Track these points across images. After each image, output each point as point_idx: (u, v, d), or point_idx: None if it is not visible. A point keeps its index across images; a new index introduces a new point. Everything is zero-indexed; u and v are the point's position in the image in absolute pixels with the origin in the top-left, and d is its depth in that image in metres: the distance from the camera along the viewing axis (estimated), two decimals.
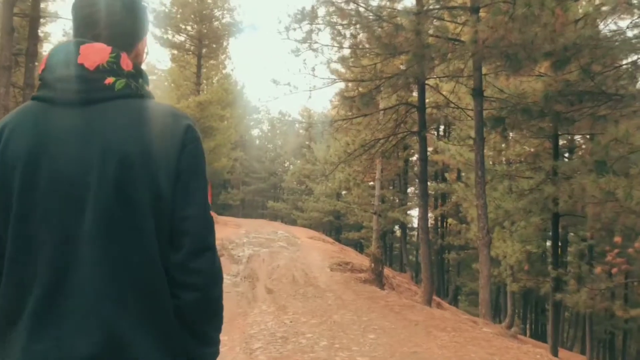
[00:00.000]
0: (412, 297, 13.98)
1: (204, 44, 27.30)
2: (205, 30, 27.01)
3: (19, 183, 1.18)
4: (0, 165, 1.20)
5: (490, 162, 19.96)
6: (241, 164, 44.06)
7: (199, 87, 26.71)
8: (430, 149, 29.60)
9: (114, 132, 1.20)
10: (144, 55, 1.45)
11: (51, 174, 1.18)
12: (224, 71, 31.93)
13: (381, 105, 14.24)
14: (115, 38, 1.30)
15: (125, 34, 1.34)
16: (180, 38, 27.61)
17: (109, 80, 1.23)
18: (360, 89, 13.22)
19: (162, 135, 1.24)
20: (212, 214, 1.33)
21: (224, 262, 13.75)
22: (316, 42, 13.65)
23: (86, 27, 1.31)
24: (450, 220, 28.56)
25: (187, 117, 1.33)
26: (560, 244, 21.12)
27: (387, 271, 18.79)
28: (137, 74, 1.30)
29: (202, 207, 1.27)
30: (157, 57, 38.79)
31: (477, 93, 11.86)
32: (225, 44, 30.10)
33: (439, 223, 32.52)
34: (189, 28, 27.21)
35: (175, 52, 28.95)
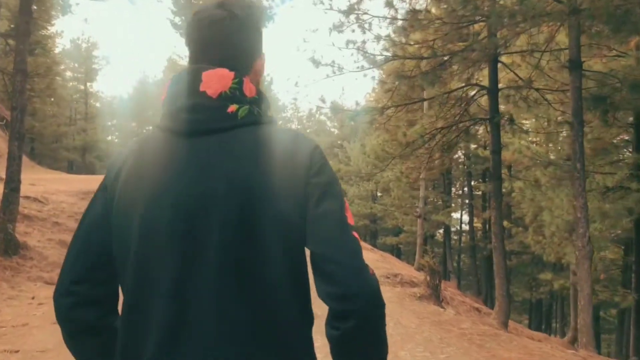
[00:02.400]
0: (483, 319, 11.63)
1: None
2: None
3: (140, 221, 1.14)
4: (121, 199, 1.18)
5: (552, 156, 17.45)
6: None
7: None
8: (472, 146, 27.32)
9: (238, 165, 1.14)
10: (262, 74, 1.36)
11: (173, 212, 1.13)
12: None
13: (450, 86, 11.86)
14: (234, 59, 1.24)
15: (244, 54, 1.28)
16: None
17: (232, 108, 1.17)
18: (422, 66, 10.85)
19: (287, 162, 1.16)
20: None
21: None
22: (365, 13, 11.38)
23: (204, 49, 1.25)
24: (506, 223, 25.97)
25: (311, 140, 1.25)
26: None
27: None
28: (260, 99, 1.23)
29: (340, 228, 1.15)
30: (179, 53, 37.08)
31: (575, 65, 9.43)
32: None
33: (487, 226, 30.00)
34: None
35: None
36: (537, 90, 11.62)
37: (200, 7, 1.33)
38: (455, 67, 11.65)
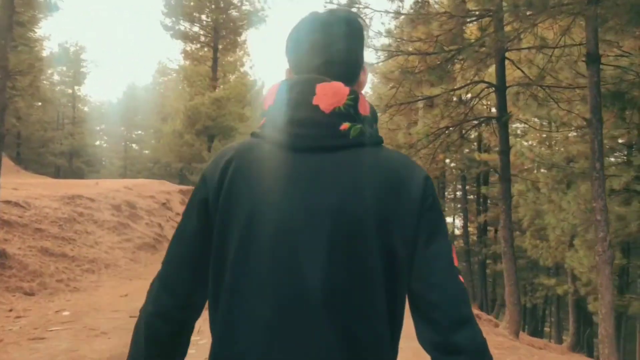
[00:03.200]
0: (493, 329, 11.00)
1: (221, 35, 24.52)
2: (222, 20, 24.24)
3: (242, 233, 1.08)
4: (224, 208, 1.11)
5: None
6: None
7: (216, 82, 23.93)
8: (465, 150, 26.80)
9: (346, 188, 1.07)
10: (364, 87, 1.29)
11: (279, 226, 1.07)
12: (241, 69, 29.35)
13: (457, 83, 11.27)
14: (344, 64, 1.19)
15: (351, 64, 1.21)
16: (195, 29, 24.91)
17: (345, 126, 1.10)
18: (428, 61, 10.25)
19: (399, 192, 1.09)
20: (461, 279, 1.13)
21: None
22: (367, 7, 10.78)
23: (312, 52, 1.19)
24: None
25: (422, 168, 1.18)
26: None
27: None
28: (372, 118, 1.17)
29: (449, 273, 1.09)
30: (168, 56, 36.40)
31: (593, 59, 8.86)
32: (243, 37, 27.43)
33: (481, 231, 29.49)
34: (203, 17, 24.46)
35: (189, 47, 26.26)
36: (547, 88, 11.07)
37: (309, 13, 1.26)
38: (461, 64, 11.10)
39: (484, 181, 29.61)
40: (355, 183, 1.07)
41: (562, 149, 16.45)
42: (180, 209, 19.82)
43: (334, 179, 1.07)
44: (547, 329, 32.77)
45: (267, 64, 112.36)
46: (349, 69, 1.19)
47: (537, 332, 28.76)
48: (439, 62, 10.02)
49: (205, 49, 25.52)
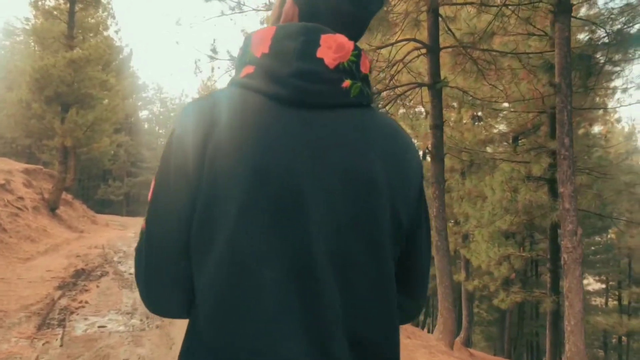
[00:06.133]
0: (422, 336, 9.07)
1: None
2: None
3: (242, 199, 0.92)
4: (216, 181, 0.93)
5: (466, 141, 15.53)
6: (126, 151, 36.84)
7: (72, 41, 19.90)
8: None
9: (353, 149, 0.98)
10: None
11: (280, 192, 0.93)
12: (105, 33, 25.31)
13: (378, 40, 9.03)
14: (351, 24, 1.05)
15: (361, 21, 1.07)
16: None
17: (347, 83, 0.99)
18: None
19: (403, 158, 1.05)
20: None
21: (109, 285, 8.27)
22: None
23: (324, 6, 1.03)
24: None
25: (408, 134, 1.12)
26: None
27: None
28: (368, 77, 1.07)
29: (429, 252, 1.17)
30: (15, 14, 31.07)
31: (564, 8, 7.10)
32: None
33: None
34: None
35: None
36: (491, 51, 9.25)
37: None
38: (390, 17, 8.94)
39: None
40: (361, 144, 0.99)
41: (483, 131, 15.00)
42: (24, 191, 16.92)
43: (339, 139, 0.97)
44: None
45: (137, 29, 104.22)
46: (363, 28, 1.09)
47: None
48: None
49: (60, 0, 21.25)
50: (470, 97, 10.41)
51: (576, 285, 6.98)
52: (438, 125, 9.22)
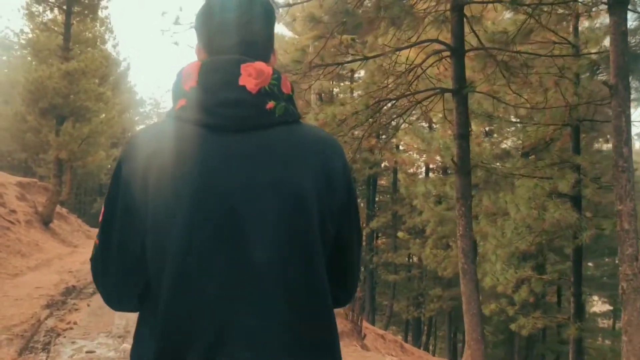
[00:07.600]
0: None
1: None
2: None
3: (186, 218, 1.04)
4: (155, 202, 1.05)
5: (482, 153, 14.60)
6: None
7: (68, 53, 19.14)
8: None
9: (282, 164, 1.09)
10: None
11: (219, 211, 1.05)
12: (103, 47, 24.64)
13: (391, 42, 8.19)
14: (256, 45, 1.19)
15: (265, 44, 1.22)
16: None
17: (271, 104, 1.10)
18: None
19: (328, 166, 1.13)
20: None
21: (101, 304, 7.37)
22: None
23: (224, 36, 1.17)
24: (402, 234, 23.17)
25: (342, 148, 1.22)
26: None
27: None
28: (293, 97, 1.18)
29: (360, 249, 1.28)
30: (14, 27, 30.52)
31: (619, 2, 6.28)
32: (105, 13, 22.84)
33: (371, 239, 27.06)
34: None
35: (35, 8, 21.14)
36: (523, 53, 8.39)
37: None
38: (408, 19, 8.10)
39: (373, 185, 27.19)
40: (289, 159, 1.09)
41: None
42: (17, 204, 16.52)
43: (268, 157, 1.08)
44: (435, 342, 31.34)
45: (135, 44, 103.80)
46: (265, 50, 1.20)
47: (419, 345, 26.95)
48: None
49: (56, 11, 20.52)
50: (503, 104, 9.52)
51: (637, 317, 6.05)
52: (463, 135, 8.35)
